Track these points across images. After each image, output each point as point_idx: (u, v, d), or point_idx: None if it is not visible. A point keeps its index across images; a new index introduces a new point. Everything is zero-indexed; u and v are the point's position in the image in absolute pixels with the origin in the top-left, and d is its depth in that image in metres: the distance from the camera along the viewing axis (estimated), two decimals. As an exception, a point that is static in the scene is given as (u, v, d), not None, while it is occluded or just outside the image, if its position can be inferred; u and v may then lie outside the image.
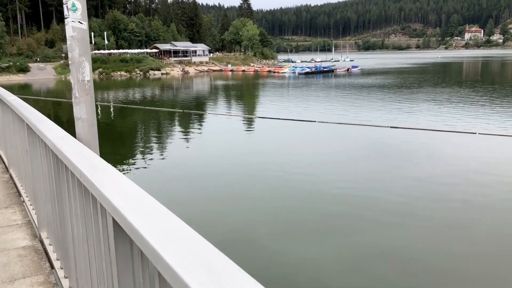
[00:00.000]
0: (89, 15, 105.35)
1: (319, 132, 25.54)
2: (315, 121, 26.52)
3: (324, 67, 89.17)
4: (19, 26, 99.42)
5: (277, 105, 38.41)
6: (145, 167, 19.21)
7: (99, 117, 37.66)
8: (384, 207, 13.17)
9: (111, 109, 40.54)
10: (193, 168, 18.17)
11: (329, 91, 49.82)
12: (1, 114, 5.93)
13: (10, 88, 50.99)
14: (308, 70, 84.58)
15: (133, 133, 29.79)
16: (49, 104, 42.31)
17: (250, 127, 28.34)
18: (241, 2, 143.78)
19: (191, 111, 33.95)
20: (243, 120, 30.12)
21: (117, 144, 26.58)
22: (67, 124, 27.75)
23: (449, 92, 45.09)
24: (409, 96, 43.22)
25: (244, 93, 53.34)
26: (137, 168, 19.07)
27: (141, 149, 23.42)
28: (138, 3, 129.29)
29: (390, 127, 24.26)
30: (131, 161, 20.84)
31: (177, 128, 28.98)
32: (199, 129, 28.27)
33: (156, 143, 24.72)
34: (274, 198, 14.37)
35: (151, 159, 20.67)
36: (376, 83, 59.32)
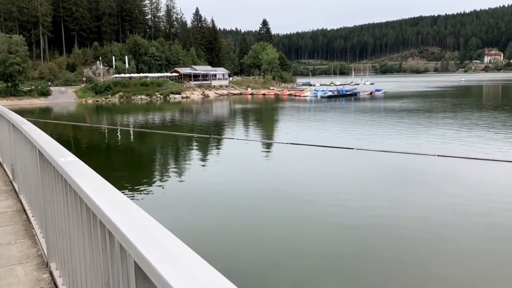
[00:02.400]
0: (110, 40, 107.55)
1: (359, 160, 23.69)
2: (353, 148, 24.71)
3: (347, 91, 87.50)
4: (41, 50, 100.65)
5: (306, 130, 36.68)
6: (164, 193, 17.69)
7: (118, 140, 36.61)
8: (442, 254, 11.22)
9: (131, 133, 39.45)
10: (230, 199, 16.47)
11: (357, 116, 47.91)
12: (13, 137, 5.76)
13: (31, 112, 50.55)
14: (330, 93, 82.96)
15: (152, 158, 28.41)
16: (69, 128, 41.46)
17: (282, 154, 26.57)
18: (260, 26, 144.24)
19: (221, 137, 32.40)
20: (274, 147, 28.39)
21: (135, 168, 25.49)
22: (86, 149, 26.49)
23: (490, 117, 42.85)
24: (448, 120, 41.11)
25: (270, 117, 51.77)
26: (152, 193, 18.16)
27: (160, 174, 21.86)
28: (158, 28, 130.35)
29: (437, 155, 22.28)
30: (147, 186, 19.83)
31: (210, 154, 27.37)
32: (228, 155, 26.62)
33: (176, 168, 23.17)
34: (312, 236, 12.52)
35: (172, 184, 19.15)
36: (406, 107, 57.25)
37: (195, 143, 31.88)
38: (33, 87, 79.86)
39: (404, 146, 26.62)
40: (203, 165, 23.93)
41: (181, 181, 20.76)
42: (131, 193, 19.07)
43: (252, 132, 39.42)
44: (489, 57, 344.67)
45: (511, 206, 15.31)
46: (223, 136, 33.63)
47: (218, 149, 29.25)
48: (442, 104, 61.64)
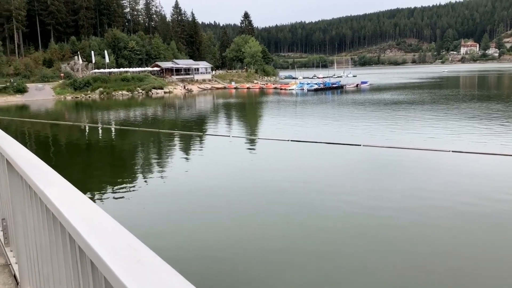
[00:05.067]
0: (88, 34, 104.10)
1: (366, 157, 22.42)
2: (360, 145, 23.42)
3: (333, 83, 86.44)
4: (16, 45, 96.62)
5: (303, 125, 35.27)
6: (155, 190, 16.08)
7: (100, 138, 34.78)
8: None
9: (112, 131, 37.59)
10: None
11: (351, 109, 46.76)
12: None
13: (7, 110, 47.94)
14: (316, 86, 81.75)
15: (139, 156, 26.72)
16: (47, 127, 39.29)
17: (284, 152, 25.07)
18: (242, 19, 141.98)
19: (218, 135, 30.71)
20: (274, 144, 26.79)
21: (117, 166, 24.02)
22: (66, 148, 24.54)
23: (490, 108, 42.18)
24: (448, 112, 40.30)
25: (260, 113, 50.05)
26: (137, 191, 17.04)
27: (148, 174, 20.16)
28: (137, 21, 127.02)
29: (452, 151, 21.15)
30: (131, 184, 18.74)
31: (205, 153, 25.68)
32: (226, 153, 25.00)
33: (165, 167, 21.47)
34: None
35: (161, 183, 17.52)
36: (397, 99, 56.39)
37: (186, 141, 30.18)
38: (8, 84, 76.40)
39: (413, 141, 25.43)
40: (197, 164, 22.29)
41: (170, 180, 19.20)
42: (114, 190, 17.68)
43: (246, 128, 37.83)
44: (465, 48, 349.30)
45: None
46: (218, 134, 31.93)
47: (214, 147, 27.58)
48: (435, 95, 61.01)
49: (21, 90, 76.71)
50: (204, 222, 14.03)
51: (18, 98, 74.82)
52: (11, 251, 3.81)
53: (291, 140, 25.96)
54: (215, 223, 13.91)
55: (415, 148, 22.15)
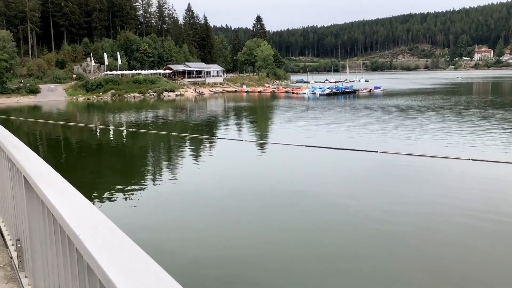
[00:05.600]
0: (101, 36, 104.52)
1: (383, 164, 21.70)
2: (377, 151, 22.73)
3: (346, 88, 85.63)
4: (29, 46, 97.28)
5: (316, 130, 34.61)
6: (171, 196, 15.53)
7: (111, 140, 34.50)
8: None
9: (124, 133, 37.38)
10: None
11: (366, 114, 45.96)
12: None
13: (20, 110, 47.97)
14: (329, 91, 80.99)
15: (148, 158, 26.34)
16: (58, 128, 39.12)
17: (297, 158, 24.42)
18: (254, 22, 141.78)
19: (231, 139, 30.15)
20: (289, 149, 26.14)
21: (128, 169, 23.59)
22: (77, 150, 24.18)
23: (507, 115, 41.20)
24: (464, 119, 39.37)
25: (272, 117, 49.45)
26: (148, 194, 16.50)
27: (162, 177, 19.63)
28: (150, 24, 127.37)
29: (472, 159, 20.38)
30: (141, 186, 18.54)
31: (216, 156, 25.13)
32: (240, 158, 24.43)
33: (177, 170, 20.93)
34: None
35: (174, 186, 16.96)
36: (411, 105, 55.47)
37: (198, 145, 29.71)
38: (21, 84, 76.79)
39: (430, 148, 24.68)
40: (209, 168, 21.73)
41: (183, 184, 18.73)
42: (123, 192, 17.32)
43: (259, 133, 37.25)
44: (479, 55, 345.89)
45: None
46: (231, 138, 31.41)
47: (227, 151, 27.03)
48: (450, 102, 59.91)
49: (34, 91, 77.02)
50: (217, 227, 13.59)
51: (31, 99, 75.12)
52: (25, 277, 3.47)
53: (306, 146, 25.35)
54: (228, 228, 13.50)
55: (434, 156, 21.42)
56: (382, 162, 21.91)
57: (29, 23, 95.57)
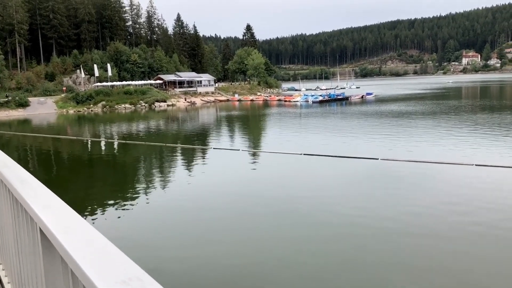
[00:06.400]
0: (90, 47, 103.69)
1: (384, 172, 21.26)
2: (378, 159, 22.28)
3: (338, 95, 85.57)
4: (18, 59, 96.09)
5: (314, 138, 34.16)
6: (165, 207, 14.88)
7: (102, 152, 33.89)
8: None
9: (115, 145, 36.75)
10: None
11: (360, 121, 45.71)
12: None
13: (9, 124, 47.09)
14: (321, 98, 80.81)
15: (142, 169, 25.77)
16: (49, 141, 38.34)
17: (298, 166, 23.89)
18: (244, 31, 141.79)
19: (228, 149, 29.56)
20: (287, 158, 25.60)
21: (120, 181, 23.15)
22: (68, 163, 23.52)
23: (504, 118, 41.09)
24: (462, 123, 39.21)
25: (266, 125, 48.97)
26: (142, 206, 15.86)
27: (156, 187, 18.99)
28: (139, 34, 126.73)
29: (476, 165, 20.00)
30: (134, 198, 18.14)
31: (214, 166, 24.50)
32: (238, 168, 23.84)
33: (173, 181, 20.30)
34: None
35: (172, 198, 16.34)
36: (405, 110, 55.35)
37: (193, 155, 29.10)
38: (9, 98, 75.64)
39: (431, 154, 24.31)
40: (207, 178, 21.13)
41: (179, 194, 18.09)
42: (114, 205, 16.74)
43: (255, 142, 36.74)
44: (467, 59, 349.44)
45: None
46: (227, 147, 30.81)
47: (224, 161, 26.40)
48: (444, 106, 59.86)
49: (23, 104, 75.92)
50: (212, 237, 13.17)
51: (20, 112, 74.01)
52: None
53: (305, 154, 24.84)
54: (229, 239, 13.11)
55: (436, 162, 21.03)
56: (384, 169, 21.49)
57: (17, 36, 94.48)
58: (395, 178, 19.91)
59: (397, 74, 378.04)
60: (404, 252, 11.80)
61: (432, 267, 10.87)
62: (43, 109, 76.71)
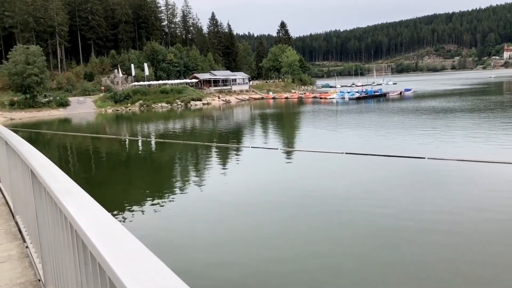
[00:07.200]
0: (127, 47, 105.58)
1: (431, 171, 20.28)
2: (424, 158, 21.37)
3: (375, 91, 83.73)
4: (59, 60, 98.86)
5: (354, 137, 33.25)
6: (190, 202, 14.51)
7: (138, 151, 34.15)
8: None
9: (152, 144, 37.07)
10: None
11: (401, 118, 44.35)
12: (6, 156, 5.59)
13: (50, 123, 48.25)
14: (358, 95, 79.26)
15: (182, 168, 25.71)
16: (88, 140, 39.00)
17: (340, 166, 23.20)
18: (278, 28, 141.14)
19: (266, 148, 29.15)
20: (328, 157, 24.93)
21: (156, 179, 23.18)
22: (106, 161, 23.59)
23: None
24: (510, 120, 37.40)
25: (302, 123, 48.14)
26: (173, 203, 16.00)
27: (194, 186, 18.73)
28: (175, 34, 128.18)
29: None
30: (167, 197, 18.53)
31: (250, 167, 24.11)
32: (280, 168, 23.36)
33: (212, 180, 19.98)
34: None
35: (207, 196, 15.98)
36: (447, 107, 53.39)
37: (232, 154, 28.83)
38: (51, 98, 77.87)
39: (480, 152, 23.10)
40: (247, 178, 20.74)
41: (220, 194, 17.69)
42: (150, 201, 16.85)
43: (293, 140, 36.18)
44: (508, 53, 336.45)
45: None
46: (265, 146, 30.41)
47: (263, 160, 25.98)
48: (489, 102, 57.29)
49: (64, 104, 78.00)
50: (251, 239, 12.83)
51: (61, 112, 76.03)
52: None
53: (346, 153, 24.17)
54: (264, 240, 12.69)
55: (489, 161, 19.95)
56: (432, 169, 20.53)
57: (58, 38, 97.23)
58: (444, 179, 18.93)
59: (434, 70, 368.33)
60: (464, 263, 11.04)
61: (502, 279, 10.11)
62: (83, 109, 78.58)
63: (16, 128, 45.01)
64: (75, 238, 1.93)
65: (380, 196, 16.82)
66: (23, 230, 4.93)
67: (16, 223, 5.48)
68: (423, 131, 33.31)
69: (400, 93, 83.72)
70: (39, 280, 3.74)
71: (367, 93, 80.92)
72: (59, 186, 2.33)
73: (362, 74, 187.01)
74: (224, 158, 28.01)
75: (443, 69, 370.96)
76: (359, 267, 10.81)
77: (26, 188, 3.95)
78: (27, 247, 4.50)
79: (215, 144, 33.36)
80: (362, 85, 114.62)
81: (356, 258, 11.34)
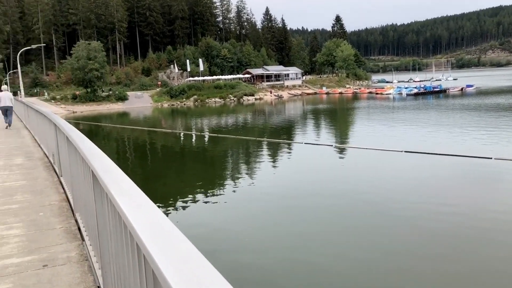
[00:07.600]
0: (183, 43, 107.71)
1: (499, 173, 18.91)
2: (491, 158, 19.95)
3: (434, 87, 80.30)
4: (118, 56, 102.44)
5: (413, 134, 31.87)
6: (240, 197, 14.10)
7: (192, 145, 34.52)
8: None
9: (205, 138, 37.37)
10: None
11: (463, 115, 42.08)
12: (67, 152, 5.51)
13: (110, 117, 49.99)
14: (416, 90, 76.33)
15: (237, 164, 25.60)
16: (145, 133, 39.94)
17: (399, 165, 22.19)
18: (333, 22, 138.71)
19: (320, 144, 28.52)
20: (386, 155, 23.94)
21: (209, 173, 23.15)
22: (162, 154, 23.84)
23: None
24: None
25: (360, 120, 46.55)
26: (224, 200, 16.60)
27: (248, 181, 18.41)
28: (229, 29, 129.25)
29: None
30: (219, 193, 18.46)
31: (305, 163, 23.58)
32: (337, 165, 22.69)
33: (267, 175, 19.59)
34: None
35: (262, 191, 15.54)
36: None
37: (285, 150, 28.42)
38: (111, 92, 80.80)
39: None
40: (301, 176, 20.22)
41: (273, 190, 17.25)
42: (204, 200, 16.69)
43: (348, 137, 35.23)
44: None
45: None
46: (319, 143, 29.75)
47: (317, 158, 25.34)
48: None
49: (122, 98, 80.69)
50: (303, 238, 12.30)
51: (120, 106, 78.70)
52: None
53: (406, 151, 23.06)
54: (315, 240, 12.21)
55: None
56: (499, 170, 19.16)
57: (117, 34, 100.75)
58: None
59: (498, 65, 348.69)
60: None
61: None
62: (140, 103, 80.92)
63: (78, 120, 46.97)
64: (135, 250, 1.86)
65: (448, 201, 15.82)
66: (82, 229, 4.83)
67: (76, 221, 5.41)
68: (488, 129, 31.37)
69: (462, 89, 79.79)
70: (98, 287, 3.64)
71: (425, 89, 77.74)
72: (123, 196, 2.12)
73: (419, 69, 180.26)
74: (277, 154, 27.66)
75: (508, 64, 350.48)
76: (427, 276, 10.11)
77: (87, 188, 3.85)
78: (86, 248, 4.41)
79: (266, 139, 33.06)
80: (420, 81, 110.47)
81: (423, 265, 10.63)
